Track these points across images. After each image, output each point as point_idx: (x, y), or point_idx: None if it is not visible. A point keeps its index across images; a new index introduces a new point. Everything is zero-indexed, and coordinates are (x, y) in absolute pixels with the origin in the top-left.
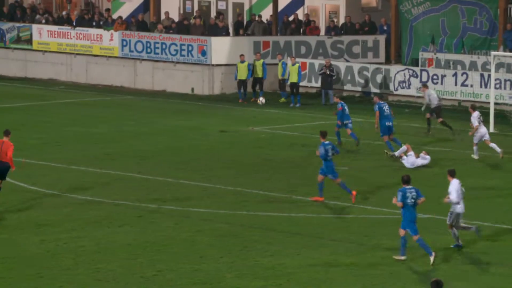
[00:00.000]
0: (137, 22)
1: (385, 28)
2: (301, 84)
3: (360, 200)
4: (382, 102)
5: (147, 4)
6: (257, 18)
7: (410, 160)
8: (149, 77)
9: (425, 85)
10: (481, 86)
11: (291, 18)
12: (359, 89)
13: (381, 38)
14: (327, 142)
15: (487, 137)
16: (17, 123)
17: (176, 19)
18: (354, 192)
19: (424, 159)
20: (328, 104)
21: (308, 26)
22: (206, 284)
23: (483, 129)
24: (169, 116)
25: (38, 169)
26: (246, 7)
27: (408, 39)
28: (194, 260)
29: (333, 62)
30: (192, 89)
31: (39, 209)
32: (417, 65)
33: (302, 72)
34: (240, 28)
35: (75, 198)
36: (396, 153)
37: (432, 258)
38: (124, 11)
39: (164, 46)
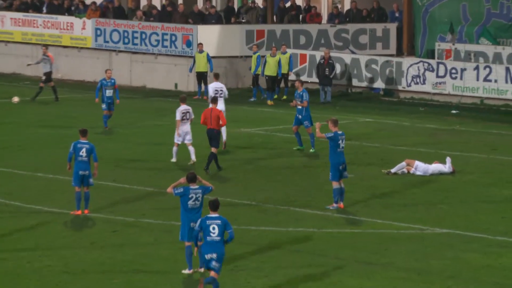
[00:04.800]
0: (113, 9)
1: (396, 15)
2: (302, 79)
3: (368, 212)
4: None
5: None
6: (250, 4)
7: (421, 167)
8: (127, 71)
9: (45, 47)
10: (506, 81)
11: (288, 4)
12: (367, 84)
13: (392, 27)
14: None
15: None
16: None
17: (158, 5)
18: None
19: (443, 167)
20: (327, 103)
21: (309, 13)
22: None
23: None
24: (149, 116)
25: None
26: None
27: (422, 27)
28: (176, 281)
29: (337, 54)
30: (176, 85)
31: None
32: (433, 58)
33: (301, 66)
34: (232, 16)
35: (41, 210)
36: (393, 170)
37: (187, 271)
38: None
39: (144, 36)
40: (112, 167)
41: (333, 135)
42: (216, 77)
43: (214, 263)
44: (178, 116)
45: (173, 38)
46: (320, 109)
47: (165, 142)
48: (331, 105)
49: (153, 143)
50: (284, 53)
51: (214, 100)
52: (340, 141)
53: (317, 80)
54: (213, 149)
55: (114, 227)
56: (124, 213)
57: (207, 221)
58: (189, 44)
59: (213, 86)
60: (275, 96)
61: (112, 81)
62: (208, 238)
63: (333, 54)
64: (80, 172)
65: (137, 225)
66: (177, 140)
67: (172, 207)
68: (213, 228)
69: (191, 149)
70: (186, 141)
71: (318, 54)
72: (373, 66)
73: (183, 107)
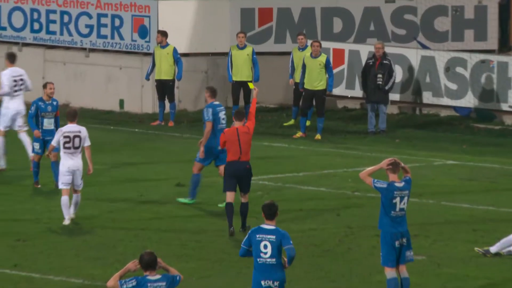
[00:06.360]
0: None
1: None
2: (335, 92)
3: None
4: (217, 103)
5: None
6: None
7: None
8: (37, 77)
9: None
10: None
11: None
12: (448, 101)
13: (491, 4)
14: None
15: None
16: None
17: None
18: None
19: None
20: (380, 132)
21: None
22: None
23: None
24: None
25: None
26: None
27: None
28: None
29: (397, 50)
30: (121, 103)
31: None
32: None
33: (336, 70)
34: None
35: None
36: (493, 249)
37: None
38: None
39: (66, 19)
40: (11, 242)
41: (385, 186)
42: (11, 59)
43: None
44: (55, 141)
45: (117, 22)
46: (367, 142)
47: (103, 197)
48: (387, 136)
49: (82, 202)
50: (303, 48)
51: (239, 115)
52: (397, 199)
53: (362, 94)
54: (244, 197)
55: None
56: None
57: (258, 235)
58: (143, 32)
59: (9, 74)
60: (308, 123)
61: (55, 103)
62: (259, 260)
63: (390, 49)
64: None
65: None
66: (64, 184)
67: None
68: (265, 247)
69: (78, 198)
70: (75, 186)
71: (365, 50)
72: (459, 69)
73: (69, 128)
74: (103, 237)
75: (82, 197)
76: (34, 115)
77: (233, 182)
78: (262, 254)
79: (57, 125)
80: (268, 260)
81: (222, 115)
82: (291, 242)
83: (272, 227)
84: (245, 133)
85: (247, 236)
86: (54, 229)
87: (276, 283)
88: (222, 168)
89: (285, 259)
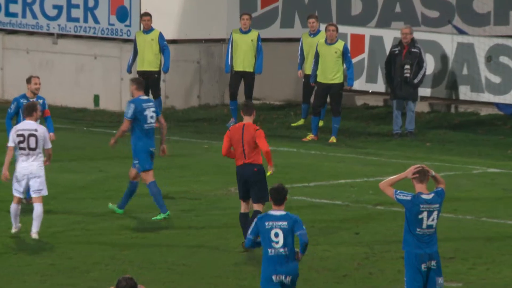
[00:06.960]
0: None
1: None
2: (354, 87)
3: None
4: (145, 98)
5: None
6: None
7: None
8: None
9: None
10: None
11: None
12: (490, 97)
13: None
14: None
15: None
16: None
17: None
18: None
19: None
20: (407, 134)
21: None
22: None
23: None
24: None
25: None
26: None
27: None
28: None
29: (428, 36)
30: (97, 99)
31: None
32: None
33: (354, 60)
34: None
35: None
36: None
37: None
38: None
39: None
40: None
41: (409, 199)
42: None
43: None
44: (11, 140)
45: (91, 2)
46: (392, 146)
47: (75, 211)
48: (416, 139)
49: (50, 215)
50: (315, 34)
51: (247, 109)
52: (424, 214)
53: (386, 89)
54: (255, 205)
55: None
56: None
57: (267, 223)
58: (123, 15)
59: None
60: (321, 123)
61: (41, 101)
62: (270, 251)
63: (420, 35)
64: None
65: None
66: (17, 190)
67: None
68: (276, 235)
69: (38, 209)
70: (32, 193)
71: (389, 36)
72: (503, 59)
73: (24, 125)
74: (74, 259)
75: (51, 211)
76: (13, 115)
77: (243, 189)
78: (273, 244)
79: (48, 125)
80: (281, 250)
81: (149, 112)
82: (304, 227)
83: (282, 213)
84: (250, 133)
85: (254, 223)
86: (16, 250)
87: (288, 278)
88: (133, 171)
89: (297, 250)
